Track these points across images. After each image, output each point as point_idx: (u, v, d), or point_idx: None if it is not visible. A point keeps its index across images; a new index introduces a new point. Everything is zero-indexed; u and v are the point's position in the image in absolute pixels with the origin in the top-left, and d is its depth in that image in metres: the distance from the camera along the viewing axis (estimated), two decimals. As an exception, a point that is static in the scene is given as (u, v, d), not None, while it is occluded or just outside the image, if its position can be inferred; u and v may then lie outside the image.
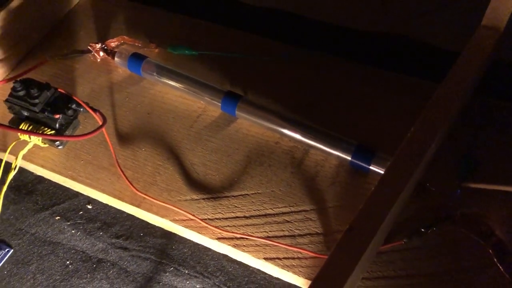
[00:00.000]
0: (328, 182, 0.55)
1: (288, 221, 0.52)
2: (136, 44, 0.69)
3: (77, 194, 0.62)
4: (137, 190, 0.55)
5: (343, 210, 0.52)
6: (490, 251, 0.48)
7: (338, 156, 0.55)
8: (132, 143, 0.60)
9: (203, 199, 0.55)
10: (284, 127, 0.57)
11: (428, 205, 0.52)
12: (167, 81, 0.63)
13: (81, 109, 0.59)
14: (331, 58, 0.66)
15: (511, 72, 0.65)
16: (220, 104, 0.60)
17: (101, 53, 0.68)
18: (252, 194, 0.55)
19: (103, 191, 0.57)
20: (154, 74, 0.64)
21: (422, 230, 0.50)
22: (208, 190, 0.55)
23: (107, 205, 0.59)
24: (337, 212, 0.52)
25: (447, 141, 0.55)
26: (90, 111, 0.59)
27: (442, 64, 0.65)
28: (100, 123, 0.58)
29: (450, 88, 0.50)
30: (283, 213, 0.53)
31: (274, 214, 0.53)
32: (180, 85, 0.63)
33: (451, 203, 0.52)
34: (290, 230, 0.52)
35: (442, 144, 0.54)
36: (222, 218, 0.53)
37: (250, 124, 0.60)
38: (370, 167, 0.53)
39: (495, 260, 0.47)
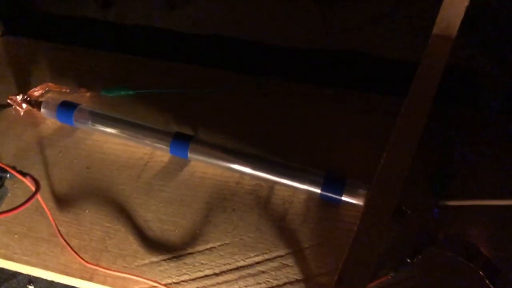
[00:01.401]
0: (300, 220, 0.50)
1: (263, 272, 0.47)
2: (64, 90, 0.61)
3: (15, 274, 0.53)
4: (86, 261, 0.48)
5: (321, 248, 0.48)
6: (481, 273, 0.45)
7: (306, 190, 0.50)
8: (74, 205, 0.52)
9: (164, 260, 0.48)
10: (244, 165, 0.52)
11: (408, 231, 0.48)
12: (104, 129, 0.56)
13: (8, 175, 0.51)
14: (280, 82, 0.62)
15: (462, 77, 0.64)
16: (168, 148, 0.54)
17: (24, 105, 0.60)
18: (219, 246, 0.49)
19: (45, 267, 0.49)
20: (89, 122, 0.57)
21: (408, 260, 0.46)
22: (168, 249, 0.49)
23: (52, 282, 0.51)
24: (315, 252, 0.48)
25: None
26: (19, 176, 0.50)
27: (394, 75, 0.63)
28: (33, 189, 0.50)
29: (416, 102, 0.47)
30: (257, 263, 0.48)
31: (247, 266, 0.47)
32: (120, 132, 0.56)
33: (430, 224, 0.49)
34: (267, 281, 0.46)
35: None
36: (190, 280, 0.47)
37: (205, 166, 0.54)
38: (342, 198, 0.49)
39: (487, 282, 0.44)
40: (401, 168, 0.43)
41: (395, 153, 0.44)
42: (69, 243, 0.49)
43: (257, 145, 0.55)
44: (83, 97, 0.61)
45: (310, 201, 0.51)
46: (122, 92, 0.61)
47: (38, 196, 0.50)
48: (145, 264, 0.48)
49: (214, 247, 0.49)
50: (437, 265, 0.46)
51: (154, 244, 0.49)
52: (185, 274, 0.47)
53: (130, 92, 0.61)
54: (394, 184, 0.42)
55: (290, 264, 0.47)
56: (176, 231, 0.50)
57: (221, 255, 0.48)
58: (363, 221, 0.40)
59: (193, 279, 0.47)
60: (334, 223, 0.49)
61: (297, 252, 0.48)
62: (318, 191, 0.50)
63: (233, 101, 0.60)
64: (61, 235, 0.49)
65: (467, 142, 0.54)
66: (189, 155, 0.53)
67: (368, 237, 0.40)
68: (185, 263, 0.48)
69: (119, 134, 0.56)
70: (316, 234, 0.49)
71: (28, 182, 0.50)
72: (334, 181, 0.50)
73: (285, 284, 0.46)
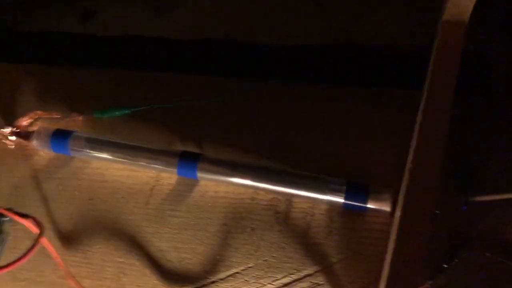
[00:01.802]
0: (324, 233, 0.47)
1: (293, 294, 0.44)
2: (55, 116, 0.57)
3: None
4: (103, 303, 0.45)
5: (351, 261, 0.45)
6: (524, 271, 0.42)
7: (328, 200, 0.48)
8: (81, 242, 0.49)
9: (187, 292, 0.45)
10: (257, 180, 0.49)
11: (439, 234, 0.46)
12: (104, 155, 0.53)
13: (6, 218, 0.47)
14: (281, 85, 0.59)
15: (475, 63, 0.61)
16: (175, 169, 0.50)
17: (13, 138, 0.55)
18: (243, 270, 0.46)
19: (59, 313, 0.45)
20: (87, 150, 0.53)
21: (445, 266, 0.44)
22: (189, 279, 0.46)
23: (68, 328, 0.48)
24: (345, 266, 0.45)
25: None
26: (19, 219, 0.47)
27: (399, 66, 0.60)
28: (36, 231, 0.46)
29: (437, 96, 0.44)
30: (286, 286, 0.45)
31: (275, 289, 0.45)
32: (121, 157, 0.52)
33: (461, 224, 0.46)
34: (299, 304, 0.44)
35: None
36: (217, 311, 0.44)
37: (215, 184, 0.51)
38: (368, 205, 0.46)
39: (531, 279, 0.42)
40: (432, 168, 0.40)
41: (424, 153, 0.41)
42: (82, 285, 0.45)
43: (268, 156, 0.52)
44: (76, 122, 0.57)
45: (332, 211, 0.48)
46: (116, 113, 0.57)
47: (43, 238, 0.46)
48: (166, 299, 0.45)
49: (238, 273, 0.46)
50: (475, 267, 0.44)
51: (173, 276, 0.46)
52: (210, 305, 0.44)
53: (126, 111, 0.57)
54: (428, 187, 0.40)
55: (321, 283, 0.44)
56: (195, 259, 0.47)
57: (246, 280, 0.45)
58: (401, 230, 0.38)
59: (220, 310, 0.44)
60: (361, 233, 0.47)
61: (326, 268, 0.45)
62: (341, 200, 0.47)
63: (235, 110, 0.56)
64: (71, 276, 0.46)
65: (488, 132, 0.51)
66: (199, 175, 0.50)
67: (407, 247, 0.37)
68: (209, 293, 0.45)
69: (120, 159, 0.52)
70: (344, 247, 0.46)
71: (29, 224, 0.46)
72: (357, 188, 0.47)
73: (318, 304, 0.44)
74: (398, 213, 0.41)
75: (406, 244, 0.38)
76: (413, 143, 0.43)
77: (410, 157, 0.43)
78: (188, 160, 0.50)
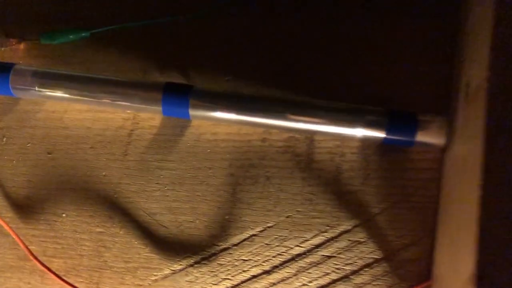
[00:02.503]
0: (359, 177, 0.37)
1: (329, 257, 0.35)
2: (-15, 45, 0.43)
3: (-18, 317, 0.38)
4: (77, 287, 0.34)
5: (397, 210, 0.36)
6: None
7: (362, 136, 0.37)
8: (43, 211, 0.37)
9: (191, 265, 0.35)
10: (269, 114, 0.37)
11: None
12: (59, 94, 0.39)
13: None
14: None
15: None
16: (160, 107, 0.38)
17: None
18: (261, 232, 0.36)
19: (24, 304, 0.34)
20: (35, 88, 0.39)
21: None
22: (192, 249, 0.35)
23: (39, 320, 0.37)
24: (390, 218, 0.36)
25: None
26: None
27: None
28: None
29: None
30: (317, 247, 0.35)
31: (305, 253, 0.35)
32: (84, 94, 0.39)
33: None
34: (338, 269, 0.34)
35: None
36: (233, 286, 0.34)
37: (213, 124, 0.39)
38: (417, 139, 0.36)
39: None
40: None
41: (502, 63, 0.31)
42: (50, 267, 0.34)
43: (275, 85, 0.40)
44: (17, 51, 0.43)
45: (367, 149, 0.38)
46: (70, 36, 0.43)
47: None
48: (166, 277, 0.35)
49: (255, 235, 0.36)
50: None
51: (170, 245, 0.36)
52: (225, 279, 0.34)
53: (84, 34, 0.43)
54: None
55: (361, 239, 0.35)
56: (197, 221, 0.36)
57: (267, 244, 0.35)
58: (488, 168, 0.28)
59: (237, 285, 0.34)
60: (406, 174, 0.37)
61: (367, 221, 0.36)
62: (381, 135, 0.36)
63: (227, 26, 0.43)
64: (34, 257, 0.35)
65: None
66: (192, 113, 0.38)
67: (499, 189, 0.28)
68: (220, 264, 0.35)
69: (83, 97, 0.39)
70: (386, 193, 0.36)
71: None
72: (401, 117, 0.36)
73: (362, 268, 0.34)
74: (475, 147, 0.31)
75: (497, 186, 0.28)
76: (468, 55, 0.32)
77: (477, 74, 0.32)
78: (176, 94, 0.38)
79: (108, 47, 0.43)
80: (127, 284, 0.35)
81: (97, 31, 0.43)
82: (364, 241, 0.35)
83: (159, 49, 0.43)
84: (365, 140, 0.38)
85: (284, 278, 0.34)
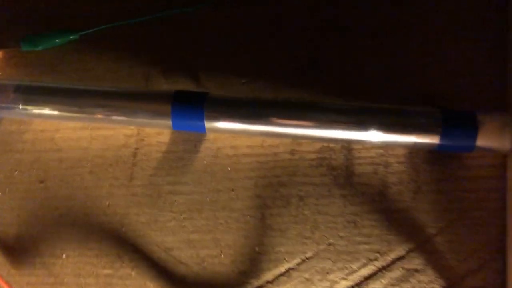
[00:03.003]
0: (410, 191, 0.31)
1: (382, 290, 0.29)
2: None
3: None
4: None
5: (456, 229, 0.30)
6: None
7: (413, 142, 0.31)
8: (39, 252, 0.32)
9: (220, 309, 0.30)
10: (298, 122, 0.32)
11: None
12: (48, 111, 0.33)
13: None
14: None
15: None
16: (169, 121, 0.32)
17: None
18: (299, 264, 0.30)
19: None
20: (19, 106, 0.33)
21: None
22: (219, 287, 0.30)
23: None
24: (450, 239, 0.30)
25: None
26: None
27: None
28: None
29: None
30: (367, 279, 0.30)
31: (353, 287, 0.30)
32: (76, 110, 0.33)
33: None
34: (394, 304, 0.29)
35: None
36: (272, 334, 0.29)
37: (231, 137, 0.34)
38: (477, 143, 0.30)
39: None
40: None
41: None
42: (53, 321, 0.29)
43: (303, 82, 0.34)
44: (-5, 62, 0.37)
45: (415, 157, 0.32)
46: (57, 40, 0.37)
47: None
48: (190, 325, 0.29)
49: (292, 269, 0.30)
50: None
51: (192, 286, 0.30)
52: (260, 325, 0.29)
53: (71, 37, 0.37)
54: None
55: (418, 267, 0.30)
56: (222, 255, 0.31)
57: (307, 279, 0.30)
58: None
59: (277, 331, 0.29)
60: (464, 185, 0.31)
61: (422, 245, 0.30)
62: (434, 140, 0.31)
63: (240, 17, 0.37)
64: (33, 309, 0.29)
65: None
66: (207, 125, 0.32)
67: None
68: (253, 306, 0.29)
69: (75, 114, 0.33)
70: (442, 208, 0.31)
71: None
72: (459, 118, 0.30)
73: (422, 301, 0.29)
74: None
75: None
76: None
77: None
78: (189, 105, 0.32)
79: (101, 51, 0.37)
80: (145, 337, 0.29)
81: (87, 32, 0.37)
82: (421, 269, 0.30)
83: (162, 49, 0.37)
84: (414, 147, 0.32)
85: (331, 319, 0.29)
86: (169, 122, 0.32)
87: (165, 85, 0.35)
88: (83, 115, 0.33)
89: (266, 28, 0.36)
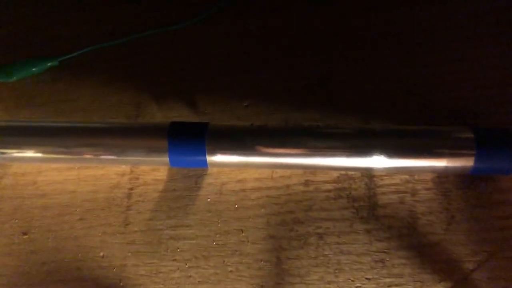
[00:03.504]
0: (442, 222, 0.28)
1: None
2: None
3: None
4: None
5: (496, 262, 0.27)
6: None
7: (443, 166, 0.28)
8: (26, 316, 0.28)
9: None
10: (310, 151, 0.28)
11: None
12: (29, 154, 0.29)
13: None
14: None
15: None
16: (165, 158, 0.28)
17: None
18: (324, 315, 0.27)
19: None
20: (-6, 148, 0.29)
21: None
22: None
23: None
24: (490, 273, 0.27)
25: None
26: None
27: None
28: None
29: None
30: (403, 327, 0.26)
31: (387, 338, 0.26)
32: (60, 151, 0.29)
33: None
34: None
35: None
36: None
37: (237, 170, 0.30)
38: (516, 166, 0.27)
39: None
40: None
41: None
42: None
43: (312, 102, 0.31)
44: (-35, 98, 0.33)
45: (446, 183, 0.29)
46: (33, 68, 0.33)
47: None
48: None
49: (316, 320, 0.27)
50: None
51: None
52: None
53: (50, 64, 0.33)
54: None
55: (459, 310, 0.26)
56: (236, 308, 0.27)
57: (334, 331, 0.26)
58: None
59: None
60: (501, 210, 0.28)
61: (461, 282, 0.27)
62: (468, 163, 0.27)
63: (237, 33, 0.33)
64: None
65: None
66: (209, 159, 0.28)
67: None
68: None
69: (59, 155, 0.29)
70: (479, 239, 0.27)
71: None
72: (495, 138, 0.27)
73: None
74: None
75: None
76: None
77: None
78: (188, 138, 0.28)
79: (84, 77, 0.33)
80: None
81: (67, 57, 0.33)
82: (462, 311, 0.26)
83: (152, 72, 0.33)
84: (444, 171, 0.28)
85: None
86: (166, 159, 0.28)
87: (158, 113, 0.32)
88: (70, 156, 0.29)
89: (268, 42, 0.32)
